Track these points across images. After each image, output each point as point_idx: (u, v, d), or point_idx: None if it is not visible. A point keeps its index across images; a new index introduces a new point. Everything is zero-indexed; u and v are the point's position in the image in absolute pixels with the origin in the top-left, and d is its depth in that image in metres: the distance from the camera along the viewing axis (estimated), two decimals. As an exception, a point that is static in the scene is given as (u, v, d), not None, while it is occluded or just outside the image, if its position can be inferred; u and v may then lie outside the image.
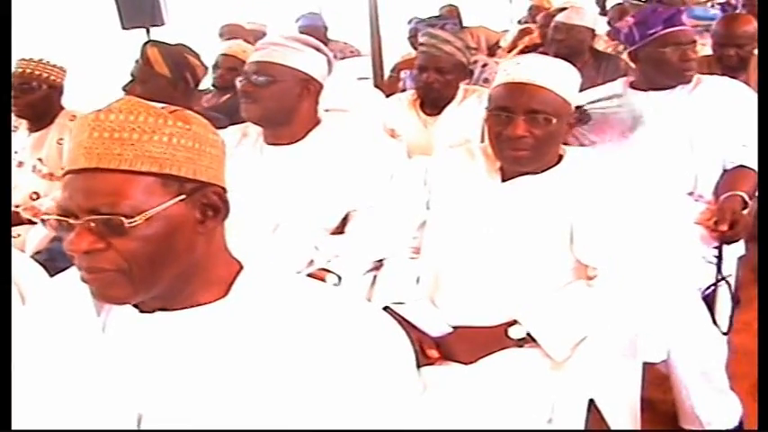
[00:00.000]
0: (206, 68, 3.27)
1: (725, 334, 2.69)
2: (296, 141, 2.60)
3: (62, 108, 3.67)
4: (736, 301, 2.70)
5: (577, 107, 2.33)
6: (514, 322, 2.12)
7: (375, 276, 2.43)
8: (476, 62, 4.88)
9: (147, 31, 6.36)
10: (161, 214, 1.16)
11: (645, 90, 3.07)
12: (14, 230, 3.35)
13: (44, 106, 3.58)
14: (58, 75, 3.60)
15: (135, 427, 1.23)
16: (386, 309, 2.21)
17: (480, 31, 7.43)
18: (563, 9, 5.23)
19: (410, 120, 3.57)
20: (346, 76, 5.54)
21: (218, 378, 1.21)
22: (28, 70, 3.52)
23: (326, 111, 4.24)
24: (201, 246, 1.24)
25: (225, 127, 2.75)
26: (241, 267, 1.32)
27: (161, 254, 1.18)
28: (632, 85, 3.14)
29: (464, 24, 7.33)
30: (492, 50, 7.13)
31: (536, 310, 2.12)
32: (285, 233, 2.51)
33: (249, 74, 2.52)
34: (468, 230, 2.26)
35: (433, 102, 3.53)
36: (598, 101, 2.58)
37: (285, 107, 2.54)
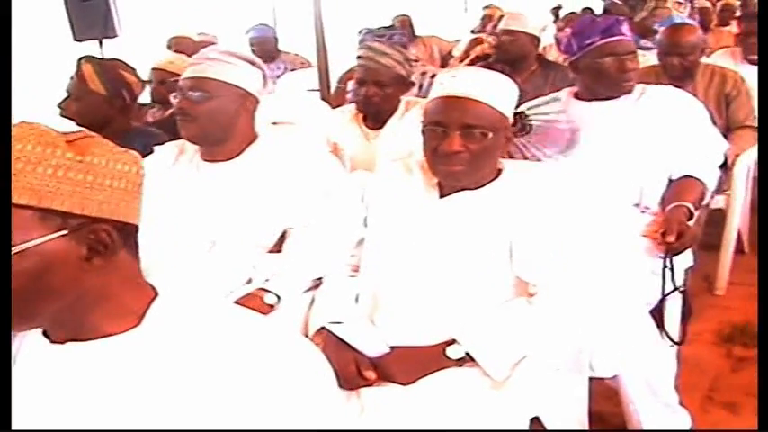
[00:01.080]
0: (143, 84, 3.19)
1: (678, 344, 2.67)
2: (233, 158, 2.54)
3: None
4: (689, 311, 2.67)
5: (518, 114, 2.30)
6: (453, 341, 2.07)
7: (314, 295, 2.37)
8: (424, 73, 4.84)
9: (100, 44, 6.28)
10: (35, 250, 1.10)
11: (588, 100, 3.04)
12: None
13: None
14: None
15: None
16: (323, 329, 2.17)
17: (433, 40, 7.44)
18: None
19: (353, 133, 3.52)
20: (295, 87, 5.50)
21: (129, 409, 1.16)
22: None
23: (274, 123, 4.24)
24: (95, 279, 1.17)
25: (164, 143, 2.70)
26: (156, 295, 1.25)
27: (35, 289, 1.12)
28: (576, 96, 3.12)
29: (416, 34, 7.34)
30: (445, 60, 7.13)
31: (474, 328, 2.07)
32: (221, 251, 2.45)
33: (184, 90, 2.46)
34: (406, 248, 2.21)
35: (374, 115, 3.49)
36: (538, 106, 2.54)
37: (222, 124, 2.48)
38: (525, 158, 2.52)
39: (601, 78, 2.97)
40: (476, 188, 2.18)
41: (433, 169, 2.19)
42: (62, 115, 3.09)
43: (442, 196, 2.22)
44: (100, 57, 3.15)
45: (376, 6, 7.82)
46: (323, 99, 4.42)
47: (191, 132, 2.48)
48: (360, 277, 2.33)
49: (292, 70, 6.18)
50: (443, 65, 6.96)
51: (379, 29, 5.11)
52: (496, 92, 2.14)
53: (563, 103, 2.77)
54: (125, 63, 3.17)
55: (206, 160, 2.56)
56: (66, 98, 3.09)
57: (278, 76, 6.22)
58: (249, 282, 2.43)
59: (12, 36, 2.20)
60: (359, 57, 3.49)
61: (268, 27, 6.74)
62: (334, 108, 3.96)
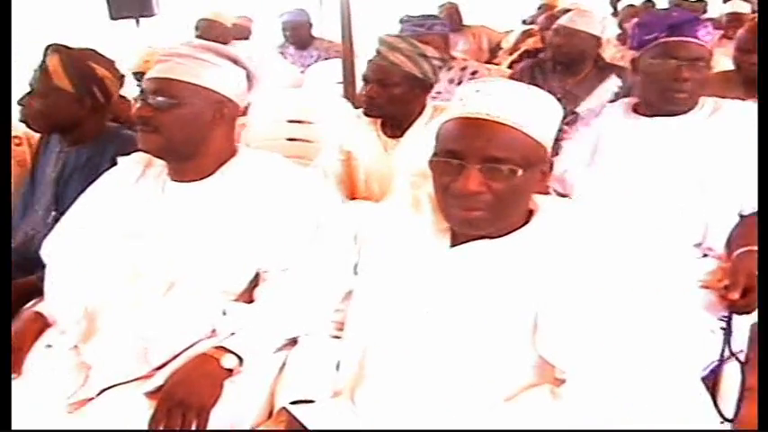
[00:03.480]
0: (120, 77, 2.71)
1: (729, 421, 2.14)
2: (204, 177, 2.09)
3: None
4: (745, 386, 2.14)
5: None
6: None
7: (286, 357, 1.91)
8: (464, 68, 4.39)
9: (137, 22, 5.97)
10: None
11: (649, 115, 2.53)
12: None
13: None
14: None
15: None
16: (284, 410, 1.72)
17: (482, 30, 6.92)
18: (568, 11, 4.61)
19: (369, 141, 3.01)
20: (322, 79, 5.04)
21: None
22: None
23: (289, 121, 3.80)
24: None
25: None
26: None
27: None
28: (635, 110, 2.61)
29: (464, 23, 6.85)
30: (493, 52, 6.61)
31: (482, 423, 1.60)
32: (179, 296, 2.00)
33: (147, 93, 2.01)
34: (402, 307, 1.74)
35: (392, 121, 2.98)
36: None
37: (191, 136, 2.04)
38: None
39: (650, 84, 2.46)
40: (497, 237, 1.69)
41: (443, 212, 1.71)
42: (22, 115, 2.65)
43: (454, 244, 1.74)
44: (69, 46, 2.64)
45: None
46: (346, 96, 3.92)
47: (152, 145, 2.03)
48: (344, 339, 1.86)
49: (326, 59, 5.73)
50: (491, 57, 6.45)
51: (418, 17, 4.58)
52: (534, 113, 1.63)
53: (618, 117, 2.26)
54: (99, 55, 2.69)
55: (174, 179, 2.12)
56: (27, 93, 2.63)
57: (308, 65, 5.82)
58: (213, 334, 1.98)
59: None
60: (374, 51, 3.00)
61: (303, 11, 6.37)
62: (358, 108, 3.45)
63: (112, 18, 6.10)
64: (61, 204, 2.48)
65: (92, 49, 2.70)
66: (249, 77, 2.13)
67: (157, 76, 2.01)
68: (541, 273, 1.65)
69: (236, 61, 2.09)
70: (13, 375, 1.89)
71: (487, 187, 1.59)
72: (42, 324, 2.06)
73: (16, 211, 2.79)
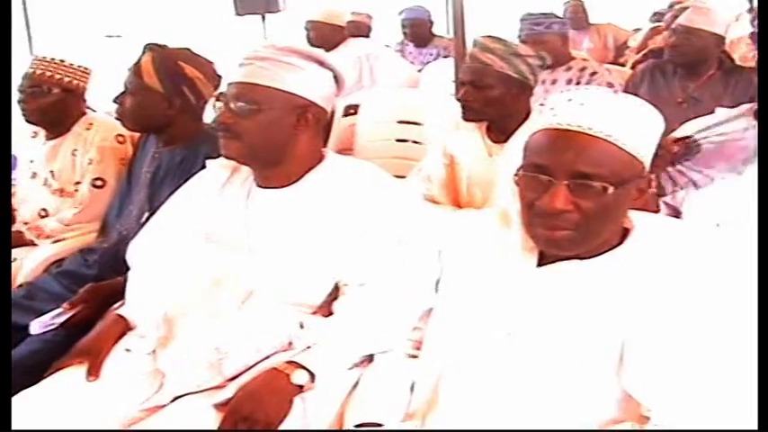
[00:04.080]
0: (217, 79, 2.66)
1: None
2: (289, 184, 2.03)
3: (83, 114, 3.20)
4: None
5: (681, 138, 1.65)
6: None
7: (361, 376, 1.85)
8: (583, 69, 4.22)
9: (263, 18, 6.03)
10: None
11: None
12: (13, 253, 2.93)
13: (57, 112, 3.12)
14: (75, 77, 3.13)
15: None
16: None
17: (608, 28, 6.71)
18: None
19: (473, 145, 2.91)
20: (435, 80, 4.95)
21: None
22: (38, 71, 3.06)
23: (399, 122, 3.74)
24: None
25: None
26: None
27: None
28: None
29: (591, 21, 6.65)
30: (620, 51, 6.37)
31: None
32: (258, 306, 1.95)
33: (228, 99, 1.95)
34: (484, 328, 1.64)
35: (498, 125, 2.86)
36: (714, 126, 1.87)
37: (274, 143, 1.97)
38: (675, 187, 1.86)
39: None
40: (588, 257, 1.57)
41: (527, 230, 1.59)
42: (117, 112, 2.66)
43: (541, 264, 1.63)
44: (164, 45, 2.62)
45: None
46: (457, 98, 3.80)
47: (234, 152, 1.98)
48: (420, 359, 1.78)
49: (445, 57, 5.64)
50: (618, 57, 6.22)
51: (538, 15, 4.43)
52: (630, 125, 1.50)
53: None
54: (194, 55, 2.67)
55: (259, 185, 2.07)
56: (122, 93, 2.65)
57: (427, 63, 5.75)
58: (289, 346, 1.93)
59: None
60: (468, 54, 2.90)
61: (423, 9, 6.33)
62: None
63: (238, 14, 6.18)
64: (154, 205, 2.46)
65: (187, 49, 2.68)
66: (337, 79, 2.05)
67: (238, 81, 1.95)
68: (633, 298, 1.52)
69: (322, 63, 2.00)
70: (90, 378, 1.88)
71: (575, 205, 1.48)
72: (124, 327, 2.04)
73: (113, 210, 2.82)
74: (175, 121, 2.62)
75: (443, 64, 5.14)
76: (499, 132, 2.85)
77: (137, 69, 2.60)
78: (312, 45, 5.33)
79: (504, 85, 2.77)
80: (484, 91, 2.77)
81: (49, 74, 3.06)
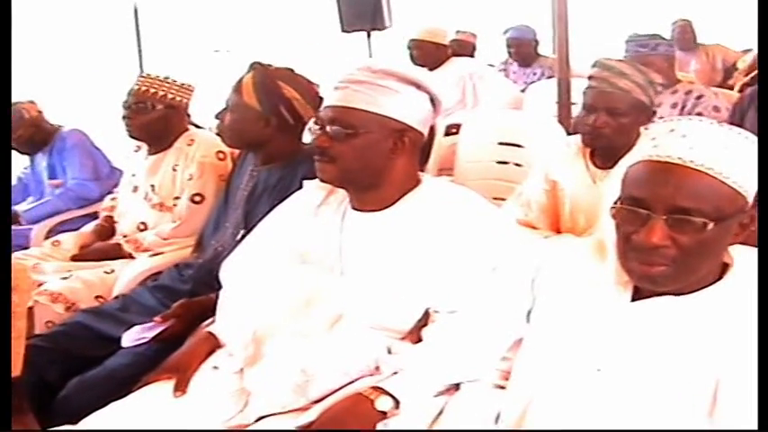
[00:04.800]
0: (317, 101, 2.62)
1: None
2: (384, 208, 2.01)
3: (185, 130, 3.27)
4: None
5: None
6: None
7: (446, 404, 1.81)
8: (689, 92, 4.08)
9: (368, 35, 6.07)
10: None
11: None
12: (110, 265, 3.01)
13: (160, 128, 3.21)
14: (179, 93, 3.21)
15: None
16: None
17: (716, 49, 6.51)
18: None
19: (577, 171, 2.84)
20: (538, 100, 4.88)
21: None
22: (143, 88, 3.17)
23: (500, 144, 3.69)
24: None
25: None
26: None
27: None
28: None
29: (699, 42, 6.47)
30: (728, 73, 6.18)
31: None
32: (347, 330, 1.94)
33: (324, 122, 1.95)
34: (573, 362, 1.60)
35: (605, 151, 2.78)
36: None
37: (370, 167, 1.95)
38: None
39: None
40: (685, 293, 1.51)
41: (622, 264, 1.54)
42: (217, 128, 2.69)
43: (635, 299, 1.58)
44: (268, 64, 2.65)
45: (653, 8, 6.94)
46: (560, 120, 3.73)
47: (329, 176, 1.98)
48: (508, 389, 1.74)
49: (549, 77, 5.57)
50: (726, 78, 6.03)
51: (644, 36, 4.33)
52: (733, 158, 1.44)
53: None
54: (296, 75, 2.68)
55: (354, 208, 2.06)
56: (223, 109, 2.69)
57: (531, 83, 5.69)
58: (376, 371, 1.91)
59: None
60: (590, 77, 2.80)
61: (528, 28, 6.28)
62: (571, 134, 3.25)
63: (344, 31, 6.22)
64: (249, 223, 2.47)
65: (289, 69, 2.69)
66: (433, 102, 2.02)
67: (334, 105, 1.95)
68: (730, 337, 1.46)
69: (418, 86, 1.97)
70: (177, 393, 1.90)
71: (673, 241, 1.43)
72: (213, 345, 2.06)
73: (210, 225, 2.85)
74: (273, 140, 2.63)
75: (547, 84, 5.08)
76: (605, 159, 2.77)
77: (238, 87, 2.63)
78: (415, 63, 5.36)
79: (636, 112, 2.69)
80: (619, 118, 2.68)
81: (153, 90, 3.15)
